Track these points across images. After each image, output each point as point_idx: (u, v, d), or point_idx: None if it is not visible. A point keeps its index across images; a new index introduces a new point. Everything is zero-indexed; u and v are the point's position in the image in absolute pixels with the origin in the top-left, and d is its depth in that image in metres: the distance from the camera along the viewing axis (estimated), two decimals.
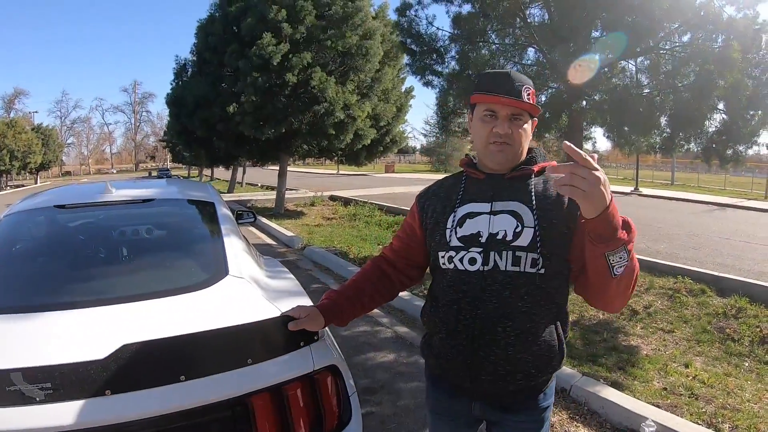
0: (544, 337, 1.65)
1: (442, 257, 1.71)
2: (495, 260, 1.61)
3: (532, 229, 1.60)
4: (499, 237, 1.62)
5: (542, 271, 1.60)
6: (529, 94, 1.64)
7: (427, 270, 1.96)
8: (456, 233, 1.69)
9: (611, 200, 1.35)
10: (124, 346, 1.55)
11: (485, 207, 1.68)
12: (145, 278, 2.52)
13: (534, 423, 1.77)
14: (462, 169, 1.84)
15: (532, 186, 1.68)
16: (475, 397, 1.76)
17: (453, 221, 1.71)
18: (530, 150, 1.77)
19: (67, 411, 1.47)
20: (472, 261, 1.64)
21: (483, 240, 1.64)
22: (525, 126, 1.66)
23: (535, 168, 1.70)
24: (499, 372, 1.64)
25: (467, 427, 1.88)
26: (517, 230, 1.61)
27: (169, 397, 1.57)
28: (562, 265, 1.64)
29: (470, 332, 1.64)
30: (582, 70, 6.16)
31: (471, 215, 1.69)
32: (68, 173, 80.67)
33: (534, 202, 1.64)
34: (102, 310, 1.95)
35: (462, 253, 1.66)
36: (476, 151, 1.78)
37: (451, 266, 1.68)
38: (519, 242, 1.60)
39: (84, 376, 1.51)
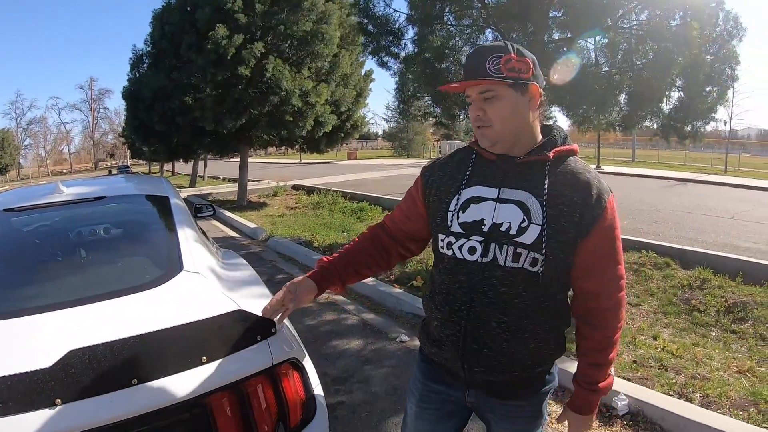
0: (541, 335, 1.58)
1: (442, 241, 1.62)
2: (495, 253, 1.51)
3: (539, 227, 1.49)
4: (503, 229, 1.51)
5: (541, 271, 1.50)
6: (497, 63, 1.48)
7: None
8: (458, 218, 1.58)
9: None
10: (71, 352, 1.46)
11: (492, 192, 1.56)
12: (96, 279, 2.42)
13: (534, 407, 1.71)
14: (473, 147, 1.69)
15: (546, 176, 1.54)
16: (471, 385, 1.69)
17: (456, 204, 1.59)
18: (549, 130, 1.64)
19: (18, 424, 1.37)
20: (472, 250, 1.54)
21: (485, 229, 1.53)
22: (502, 102, 1.51)
23: (551, 154, 1.55)
24: (493, 364, 1.58)
25: (454, 417, 1.80)
26: (523, 225, 1.50)
27: (122, 402, 1.47)
28: (564, 265, 1.54)
29: (464, 324, 1.57)
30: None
31: (476, 200, 1.57)
32: (27, 177, 78.48)
33: (545, 196, 1.51)
34: (49, 315, 1.84)
35: (462, 240, 1.56)
36: None
37: (450, 253, 1.59)
38: (522, 239, 1.49)
39: (32, 386, 1.41)
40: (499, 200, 1.54)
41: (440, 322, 1.64)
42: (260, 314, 1.73)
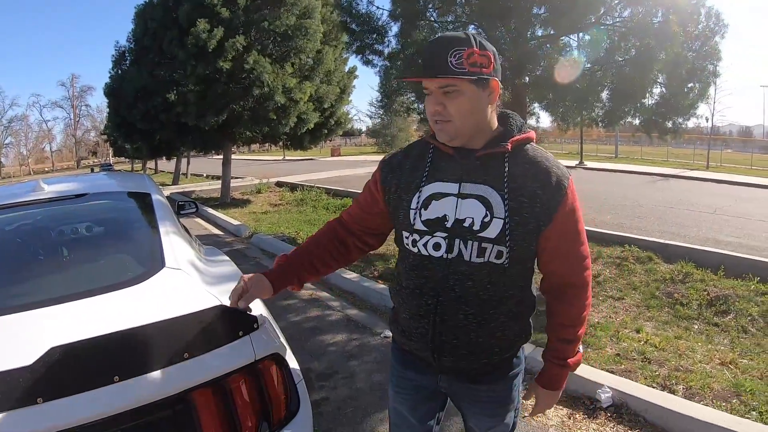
0: (507, 323, 1.62)
1: (407, 238, 1.64)
2: (460, 249, 1.53)
3: (502, 221, 1.51)
4: (466, 225, 1.53)
5: (507, 263, 1.53)
6: (459, 57, 1.44)
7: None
8: (421, 216, 1.59)
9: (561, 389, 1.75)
10: (52, 349, 1.43)
11: (453, 188, 1.56)
12: (78, 276, 2.39)
13: (505, 391, 1.75)
14: (429, 141, 1.68)
15: (506, 169, 1.54)
16: (441, 372, 1.74)
17: (417, 202, 1.60)
18: (506, 118, 1.64)
19: None
20: (437, 246, 1.56)
21: (449, 225, 1.55)
22: (463, 98, 1.48)
23: (509, 145, 1.55)
24: (462, 353, 1.63)
25: (428, 401, 1.86)
26: (486, 220, 1.51)
27: (105, 400, 1.45)
28: (528, 254, 1.59)
29: (432, 318, 1.60)
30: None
31: (437, 196, 1.58)
32: (9, 175, 77.05)
33: (506, 189, 1.52)
34: (30, 314, 1.81)
35: (426, 237, 1.58)
36: None
37: (415, 250, 1.61)
38: (486, 233, 1.51)
39: (13, 385, 1.38)
40: (460, 195, 1.56)
41: (409, 315, 1.69)
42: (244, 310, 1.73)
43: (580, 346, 1.72)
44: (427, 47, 1.54)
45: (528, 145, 1.61)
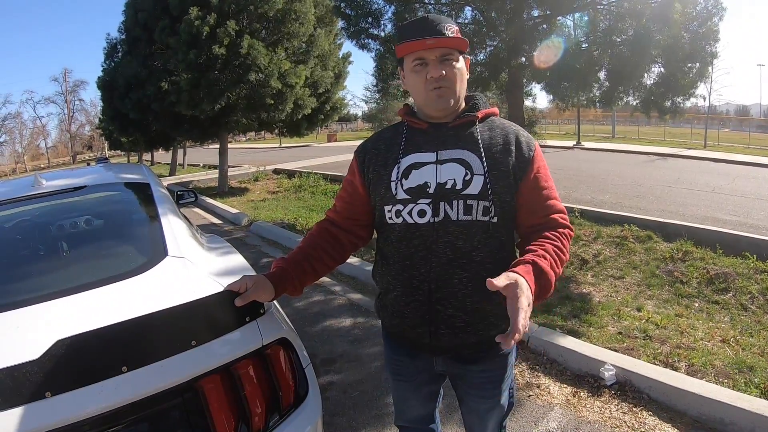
0: None
1: (389, 211, 1.66)
2: (446, 210, 1.58)
3: (482, 177, 1.57)
4: (448, 186, 1.58)
5: (495, 219, 1.58)
6: (453, 32, 1.59)
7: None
8: (402, 185, 1.63)
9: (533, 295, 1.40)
10: (58, 342, 1.42)
11: (430, 156, 1.63)
12: (80, 270, 2.37)
13: (499, 370, 1.78)
14: (401, 119, 1.78)
15: (478, 133, 1.65)
16: (436, 353, 1.76)
17: (397, 173, 1.65)
18: (472, 97, 1.74)
19: (7, 420, 1.33)
20: (422, 213, 1.60)
21: (431, 191, 1.59)
22: (458, 65, 1.62)
23: (479, 114, 1.67)
24: (459, 324, 1.64)
25: (429, 384, 1.90)
26: (467, 178, 1.58)
27: (113, 391, 1.44)
28: (510, 209, 1.62)
29: (426, 287, 1.63)
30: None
31: (416, 166, 1.64)
32: (5, 174, 76.48)
33: (482, 149, 1.61)
34: (35, 308, 1.80)
35: (410, 205, 1.61)
36: (417, 103, 1.72)
37: (399, 220, 1.63)
38: (469, 190, 1.57)
39: (21, 379, 1.37)
40: (438, 162, 1.62)
41: (401, 291, 1.70)
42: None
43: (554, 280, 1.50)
44: (420, 21, 1.63)
45: (493, 117, 1.74)
